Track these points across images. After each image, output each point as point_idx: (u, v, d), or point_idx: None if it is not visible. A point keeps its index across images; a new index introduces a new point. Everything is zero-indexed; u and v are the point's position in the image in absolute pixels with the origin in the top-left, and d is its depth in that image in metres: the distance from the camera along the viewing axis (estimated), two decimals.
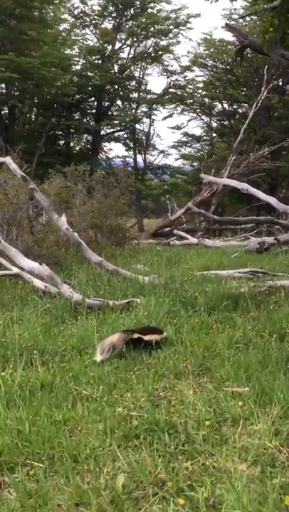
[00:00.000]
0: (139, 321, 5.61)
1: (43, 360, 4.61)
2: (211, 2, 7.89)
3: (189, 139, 33.94)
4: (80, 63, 27.27)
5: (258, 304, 6.14)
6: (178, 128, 32.32)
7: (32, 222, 12.12)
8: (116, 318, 5.86)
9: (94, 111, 27.82)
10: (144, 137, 30.28)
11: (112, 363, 4.39)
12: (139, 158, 30.29)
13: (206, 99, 32.70)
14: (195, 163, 33.04)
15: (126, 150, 29.63)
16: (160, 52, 28.07)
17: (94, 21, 27.78)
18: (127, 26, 27.54)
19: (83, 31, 28.70)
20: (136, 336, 4.71)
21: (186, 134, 33.29)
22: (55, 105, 24.15)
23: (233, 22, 22.92)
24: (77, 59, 27.42)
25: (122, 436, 3.07)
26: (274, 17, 6.68)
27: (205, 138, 35.10)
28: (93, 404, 3.56)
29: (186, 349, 4.50)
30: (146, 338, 4.70)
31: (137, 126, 29.51)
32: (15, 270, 7.70)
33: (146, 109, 28.92)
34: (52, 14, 28.63)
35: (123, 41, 27.81)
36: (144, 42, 27.94)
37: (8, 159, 8.11)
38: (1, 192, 10.94)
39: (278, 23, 6.61)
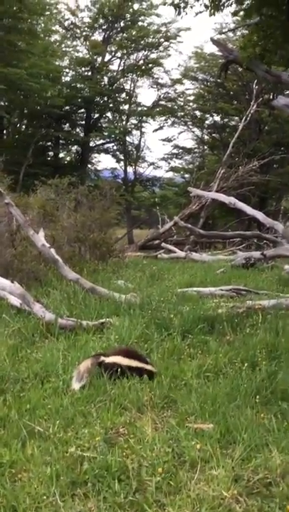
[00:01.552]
0: (110, 345, 5.38)
1: (2, 388, 4.37)
2: (210, 15, 7.72)
3: (180, 151, 33.94)
4: (70, 75, 27.24)
5: (235, 326, 5.92)
6: (168, 140, 32.34)
7: (13, 236, 11.89)
8: (87, 342, 5.63)
9: (83, 122, 27.71)
10: (134, 149, 30.19)
11: (74, 393, 4.15)
12: (129, 170, 30.22)
13: (197, 112, 32.77)
14: (186, 176, 33.01)
15: (116, 162, 29.55)
16: (150, 65, 28.09)
17: (84, 33, 27.78)
18: (117, 39, 27.53)
19: (74, 43, 28.73)
20: (107, 360, 4.49)
21: (176, 147, 33.31)
22: (44, 116, 23.99)
23: (222, 36, 22.95)
24: (67, 70, 27.38)
25: (70, 482, 2.83)
26: (253, 33, 6.56)
27: (196, 150, 35.14)
28: (46, 442, 3.32)
29: (150, 378, 4.27)
30: (124, 363, 4.43)
31: (127, 138, 29.46)
32: None
33: (136, 122, 28.87)
34: (42, 25, 28.65)
35: (113, 53, 27.83)
36: (134, 54, 27.95)
37: None
38: None
39: (257, 39, 6.50)
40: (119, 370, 4.38)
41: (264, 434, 3.31)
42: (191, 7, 8.61)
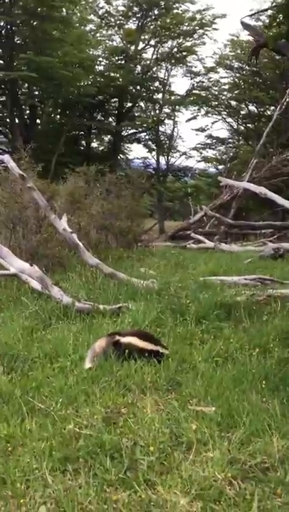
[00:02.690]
0: (123, 328, 5.34)
1: (12, 367, 4.41)
2: None
3: (213, 141, 33.45)
4: (103, 63, 27.20)
5: (252, 314, 5.80)
6: (202, 130, 31.92)
7: (40, 222, 11.99)
8: (100, 324, 5.62)
9: (116, 112, 27.66)
10: (166, 139, 29.96)
11: (81, 372, 4.14)
12: (161, 160, 30.01)
13: (232, 102, 32.20)
14: (220, 166, 32.58)
15: (147, 151, 29.40)
16: (184, 53, 27.73)
17: (118, 22, 27.64)
18: (151, 27, 27.29)
19: (109, 32, 28.65)
20: (123, 339, 4.46)
21: (210, 137, 32.84)
22: (76, 105, 24.05)
23: (257, 23, 22.38)
24: (101, 59, 27.35)
25: (63, 458, 2.81)
26: (279, 11, 6.33)
27: (230, 140, 34.58)
28: (45, 419, 3.31)
29: (160, 361, 4.21)
30: (141, 345, 4.39)
31: (160, 127, 29.23)
32: (12, 270, 7.51)
33: (169, 111, 28.60)
34: (78, 14, 28.68)
35: (146, 42, 27.59)
36: (168, 43, 27.67)
37: (6, 157, 7.95)
38: (6, 191, 10.83)
39: (283, 18, 6.27)
40: (133, 351, 4.34)
41: (267, 419, 3.21)
42: None
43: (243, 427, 3.10)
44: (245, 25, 10.55)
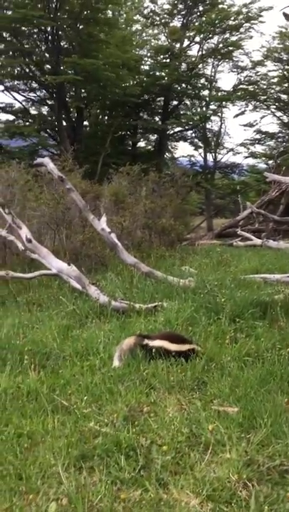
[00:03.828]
0: (155, 327, 5.35)
1: (43, 364, 4.50)
2: None
3: (263, 136, 32.77)
4: (148, 63, 27.26)
5: (288, 313, 5.65)
6: (250, 125, 31.35)
7: (84, 222, 12.18)
8: (134, 323, 5.65)
9: (161, 110, 27.65)
10: (212, 136, 29.65)
11: (108, 371, 4.18)
12: (209, 157, 29.73)
13: (282, 95, 31.43)
14: (270, 162, 31.88)
15: (194, 149, 29.19)
16: (230, 48, 27.34)
17: (163, 20, 27.60)
18: (196, 23, 27.08)
19: (155, 31, 28.67)
20: (150, 343, 4.46)
21: (259, 132, 32.19)
22: (122, 105, 24.26)
23: None
24: (146, 59, 27.44)
25: (80, 455, 2.85)
26: None
27: (279, 135, 33.76)
28: (69, 416, 3.37)
29: (188, 360, 4.18)
30: (173, 348, 4.38)
31: (207, 124, 28.97)
32: (54, 270, 7.67)
33: (215, 107, 28.28)
34: (124, 15, 28.90)
35: (191, 39, 27.39)
36: (214, 38, 27.35)
37: (46, 160, 8.11)
38: (50, 192, 11.08)
39: None
40: (164, 354, 4.33)
41: None
42: None
43: (265, 428, 3.03)
44: (287, 16, 10.23)
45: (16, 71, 22.82)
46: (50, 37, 22.05)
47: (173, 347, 4.34)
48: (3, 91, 23.73)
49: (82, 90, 23.64)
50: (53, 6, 21.09)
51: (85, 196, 12.80)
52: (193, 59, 27.12)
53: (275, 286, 7.46)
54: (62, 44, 23.12)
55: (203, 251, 14.08)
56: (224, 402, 3.47)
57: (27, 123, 24.51)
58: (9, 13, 20.68)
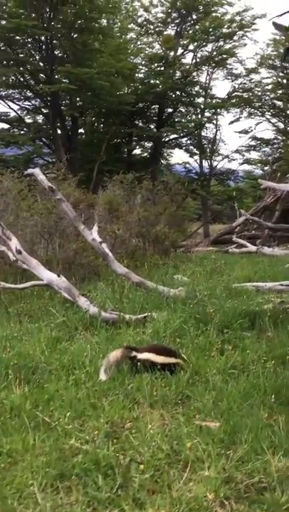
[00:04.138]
0: (143, 339, 5.34)
1: (28, 379, 4.48)
2: None
3: (258, 142, 32.90)
4: (143, 71, 27.36)
5: (278, 323, 5.64)
6: (245, 132, 31.47)
7: (78, 231, 12.17)
8: (123, 335, 5.63)
9: (156, 118, 27.75)
10: (208, 143, 29.75)
11: (93, 385, 4.16)
12: (204, 164, 29.79)
13: (276, 101, 31.59)
14: (266, 168, 32.00)
15: (189, 156, 29.27)
16: (224, 56, 27.48)
17: (157, 29, 27.74)
18: (190, 32, 27.22)
19: (150, 39, 28.81)
20: (138, 355, 4.45)
21: (254, 138, 32.32)
22: (117, 113, 24.35)
23: None
24: (141, 67, 27.55)
25: (58, 474, 2.82)
26: None
27: (275, 141, 33.90)
28: (50, 433, 3.34)
29: (173, 373, 4.16)
30: (159, 360, 4.36)
31: (202, 131, 29.06)
32: (44, 281, 7.64)
33: (210, 114, 28.39)
34: (119, 24, 29.03)
35: (185, 47, 27.53)
36: (208, 46, 27.50)
37: (36, 171, 8.12)
38: (42, 202, 11.08)
39: None
40: (151, 366, 4.32)
41: (271, 435, 3.10)
42: None
43: (246, 444, 3.01)
44: (277, 26, 10.29)
45: (11, 80, 22.89)
46: (44, 46, 22.14)
47: (159, 359, 4.33)
48: None
49: (77, 99, 23.71)
50: (47, 15, 21.15)
51: (78, 205, 12.84)
52: (188, 67, 27.25)
53: (266, 295, 7.45)
54: (56, 53, 23.22)
55: (198, 258, 14.08)
56: (207, 417, 3.45)
57: (22, 132, 24.57)
58: (3, 22, 20.77)
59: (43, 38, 21.59)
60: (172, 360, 4.31)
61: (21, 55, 22.64)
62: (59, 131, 24.18)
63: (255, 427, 3.15)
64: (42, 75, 22.88)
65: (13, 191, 12.52)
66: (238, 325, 5.54)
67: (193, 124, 28.23)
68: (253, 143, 32.43)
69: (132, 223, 13.07)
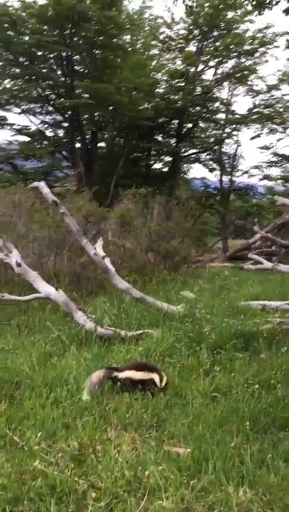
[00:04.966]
0: (132, 357, 5.25)
1: (11, 394, 4.42)
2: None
3: (279, 158, 32.64)
4: (163, 86, 27.50)
5: (273, 344, 5.48)
6: (266, 148, 31.26)
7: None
8: (115, 352, 5.55)
9: (175, 132, 27.81)
10: (227, 158, 29.65)
11: (72, 403, 4.07)
12: (224, 179, 29.65)
13: None
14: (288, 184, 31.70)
15: (208, 171, 29.20)
16: (245, 72, 27.45)
17: (179, 45, 27.92)
18: (211, 48, 27.30)
19: (172, 55, 29.01)
20: (119, 375, 4.37)
21: (275, 154, 32.07)
22: (136, 128, 24.48)
23: None
24: (162, 83, 27.69)
25: (13, 498, 2.74)
26: None
27: None
28: (19, 453, 3.26)
29: (153, 394, 4.05)
30: (138, 376, 4.30)
31: (222, 147, 29.00)
32: (44, 294, 7.60)
33: (230, 130, 28.31)
34: (142, 40, 29.34)
35: (206, 63, 27.60)
36: (228, 63, 27.54)
37: (41, 184, 8.13)
38: (50, 216, 11.13)
39: None
40: (131, 384, 4.25)
41: (239, 465, 2.97)
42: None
43: (212, 474, 2.88)
44: None
45: (32, 94, 23.26)
46: (65, 61, 22.46)
47: (138, 375, 4.24)
48: (19, 114, 24.24)
49: (96, 113, 23.95)
50: (68, 32, 21.49)
51: (88, 218, 12.87)
52: (208, 83, 27.30)
53: (270, 314, 7.28)
54: (77, 68, 23.53)
55: (210, 274, 13.91)
56: (179, 443, 3.33)
57: (42, 145, 24.89)
58: (26, 38, 21.17)
59: (63, 53, 21.91)
60: (151, 375, 4.19)
61: (44, 70, 23.01)
62: (78, 145, 24.41)
63: (224, 455, 3.02)
64: (62, 90, 23.18)
65: (26, 204, 12.66)
66: (231, 345, 5.40)
67: (212, 140, 28.19)
68: (274, 159, 32.21)
69: (142, 237, 13.03)
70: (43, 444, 3.36)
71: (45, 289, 7.16)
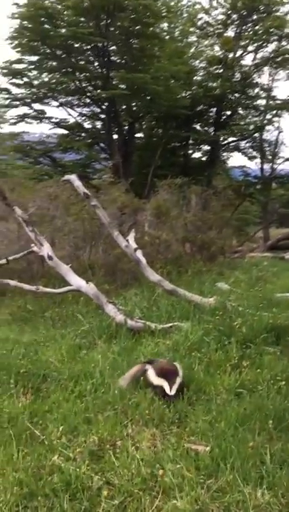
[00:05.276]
0: (158, 351, 5.20)
1: (37, 387, 4.46)
2: None
3: None
4: (201, 74, 27.06)
5: None
6: None
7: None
8: (142, 346, 5.52)
9: (213, 121, 27.33)
10: (268, 145, 28.94)
11: (96, 397, 4.07)
12: (265, 167, 28.96)
13: None
14: None
15: (248, 159, 28.61)
16: (286, 56, 26.64)
17: (217, 31, 27.38)
18: (251, 32, 26.64)
19: (211, 41, 28.50)
20: (149, 370, 4.30)
21: None
22: (174, 117, 24.20)
23: None
24: (200, 70, 27.27)
25: (28, 493, 2.75)
26: None
27: None
28: (36, 447, 3.28)
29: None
30: (150, 380, 4.16)
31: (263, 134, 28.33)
32: (75, 286, 7.62)
33: (271, 117, 27.60)
34: (180, 27, 28.97)
35: (244, 48, 26.94)
36: (269, 47, 26.78)
37: (72, 177, 8.16)
38: (85, 208, 11.18)
39: None
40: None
41: (259, 465, 2.87)
42: None
43: (231, 473, 2.81)
44: None
45: (70, 87, 23.35)
46: (101, 52, 22.43)
47: (152, 378, 4.11)
48: (57, 107, 24.40)
49: (133, 104, 23.84)
50: (104, 22, 21.43)
51: (123, 210, 12.87)
52: (247, 68, 26.68)
53: None
54: (114, 59, 23.45)
55: (248, 265, 13.66)
56: (199, 440, 3.26)
57: (80, 137, 25.00)
58: (62, 31, 21.25)
59: (100, 44, 21.87)
60: (162, 382, 3.99)
61: (80, 62, 23.06)
62: (115, 136, 24.40)
63: (243, 454, 2.93)
64: (99, 81, 23.18)
65: (62, 196, 12.77)
66: (261, 339, 5.26)
67: (252, 127, 27.58)
68: None
69: (178, 228, 12.93)
70: (64, 439, 3.36)
71: (76, 281, 7.21)
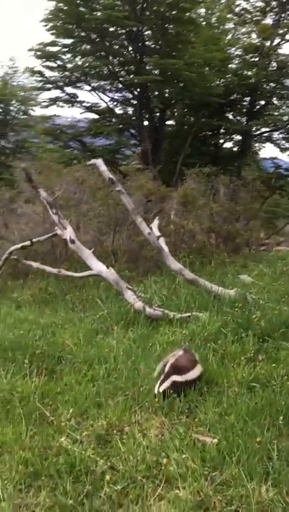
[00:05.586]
0: (174, 340, 5.18)
1: (52, 369, 4.50)
2: None
3: None
4: (236, 62, 26.58)
5: None
6: None
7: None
8: (159, 334, 5.50)
9: (246, 110, 26.87)
10: None
11: (109, 381, 4.08)
12: None
13: None
14: None
15: (280, 151, 28.07)
16: None
17: (255, 18, 26.80)
18: None
19: (249, 29, 27.95)
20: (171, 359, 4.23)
21: None
22: (206, 105, 23.85)
23: None
24: (235, 58, 26.78)
25: (33, 472, 2.78)
26: None
27: None
28: (45, 428, 3.32)
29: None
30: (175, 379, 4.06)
31: None
32: (96, 271, 7.63)
33: None
34: (218, 14, 28.48)
35: (282, 37, 26.32)
36: None
37: (98, 161, 8.12)
38: (107, 194, 11.17)
39: None
40: None
41: (265, 461, 2.83)
42: None
43: (236, 467, 2.78)
44: None
45: (103, 71, 23.24)
46: (136, 37, 22.21)
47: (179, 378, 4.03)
48: (90, 91, 24.33)
49: (165, 91, 23.58)
50: (139, 6, 21.18)
51: (149, 197, 12.80)
52: (284, 57, 26.07)
53: None
54: (148, 44, 23.20)
55: (274, 258, 13.46)
56: (207, 432, 3.24)
57: (111, 123, 24.91)
58: (98, 14, 21.10)
59: (134, 28, 21.66)
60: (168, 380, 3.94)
61: (115, 47, 22.89)
62: (146, 123, 24.22)
63: (250, 449, 2.89)
64: (132, 66, 22.98)
65: (89, 181, 12.78)
66: (280, 334, 5.18)
67: (287, 118, 27.01)
68: None
69: (204, 218, 12.80)
70: (73, 421, 3.39)
71: (97, 266, 7.22)
